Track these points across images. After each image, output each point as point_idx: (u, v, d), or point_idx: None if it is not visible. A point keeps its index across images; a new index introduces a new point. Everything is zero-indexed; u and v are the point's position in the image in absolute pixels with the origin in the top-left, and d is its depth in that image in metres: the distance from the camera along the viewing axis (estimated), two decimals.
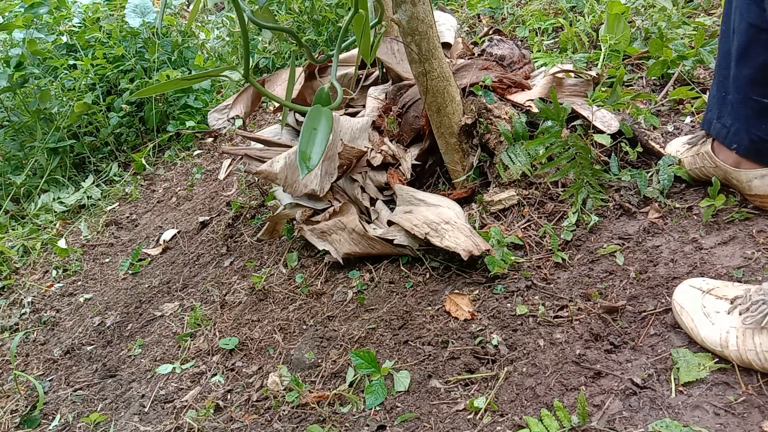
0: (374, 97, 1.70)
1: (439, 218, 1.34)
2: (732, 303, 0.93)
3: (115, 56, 2.83)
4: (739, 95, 1.12)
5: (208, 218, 2.04)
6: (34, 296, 1.99)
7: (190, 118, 2.85)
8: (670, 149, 1.38)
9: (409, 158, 1.56)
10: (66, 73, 2.74)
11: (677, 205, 1.26)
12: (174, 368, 1.38)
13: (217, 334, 1.44)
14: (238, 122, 2.31)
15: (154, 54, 2.85)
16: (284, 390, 1.19)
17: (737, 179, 1.18)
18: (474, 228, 1.35)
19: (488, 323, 1.16)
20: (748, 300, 0.90)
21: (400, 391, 1.10)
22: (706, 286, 0.99)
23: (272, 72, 2.49)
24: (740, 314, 0.90)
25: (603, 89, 1.56)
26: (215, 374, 1.32)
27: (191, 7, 3.82)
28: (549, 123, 1.36)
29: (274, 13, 2.89)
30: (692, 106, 1.55)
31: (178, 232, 2.06)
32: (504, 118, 1.44)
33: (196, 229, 2.02)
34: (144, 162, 2.72)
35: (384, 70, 1.81)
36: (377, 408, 1.08)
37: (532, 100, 1.45)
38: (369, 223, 1.52)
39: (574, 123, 1.42)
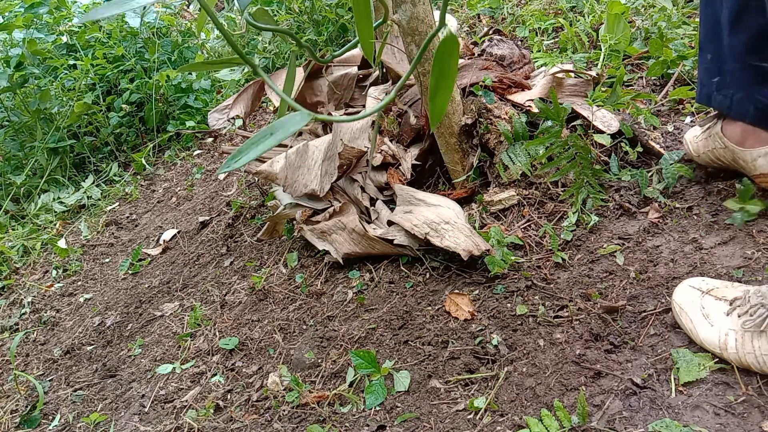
0: (374, 97, 1.70)
1: (439, 218, 1.34)
2: (731, 304, 0.93)
3: (115, 56, 2.83)
4: (738, 63, 1.12)
5: (208, 218, 2.04)
6: (34, 296, 1.99)
7: (190, 118, 2.85)
8: (688, 136, 1.36)
9: (409, 158, 1.56)
10: (66, 73, 2.74)
11: (677, 205, 1.26)
12: (174, 368, 1.38)
13: (217, 334, 1.44)
14: (238, 122, 2.31)
15: (154, 54, 2.85)
16: (284, 390, 1.19)
17: (743, 159, 1.17)
18: (474, 228, 1.35)
19: (488, 323, 1.16)
20: (746, 302, 0.90)
21: (400, 391, 1.10)
22: (706, 286, 0.99)
23: (272, 72, 2.49)
24: (739, 317, 0.90)
25: (603, 89, 1.56)
26: (215, 374, 1.32)
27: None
28: (549, 123, 1.36)
29: (274, 13, 2.89)
30: (692, 106, 1.55)
31: (178, 232, 2.06)
32: (504, 118, 1.44)
33: (196, 229, 2.02)
34: (144, 162, 2.72)
35: (384, 70, 1.81)
36: (377, 408, 1.08)
37: (532, 100, 1.45)
38: (369, 223, 1.52)
39: (574, 123, 1.42)
